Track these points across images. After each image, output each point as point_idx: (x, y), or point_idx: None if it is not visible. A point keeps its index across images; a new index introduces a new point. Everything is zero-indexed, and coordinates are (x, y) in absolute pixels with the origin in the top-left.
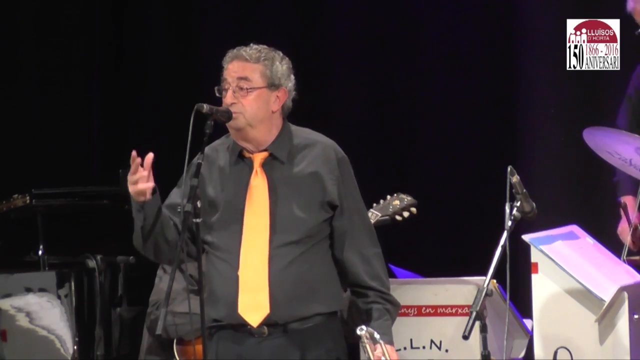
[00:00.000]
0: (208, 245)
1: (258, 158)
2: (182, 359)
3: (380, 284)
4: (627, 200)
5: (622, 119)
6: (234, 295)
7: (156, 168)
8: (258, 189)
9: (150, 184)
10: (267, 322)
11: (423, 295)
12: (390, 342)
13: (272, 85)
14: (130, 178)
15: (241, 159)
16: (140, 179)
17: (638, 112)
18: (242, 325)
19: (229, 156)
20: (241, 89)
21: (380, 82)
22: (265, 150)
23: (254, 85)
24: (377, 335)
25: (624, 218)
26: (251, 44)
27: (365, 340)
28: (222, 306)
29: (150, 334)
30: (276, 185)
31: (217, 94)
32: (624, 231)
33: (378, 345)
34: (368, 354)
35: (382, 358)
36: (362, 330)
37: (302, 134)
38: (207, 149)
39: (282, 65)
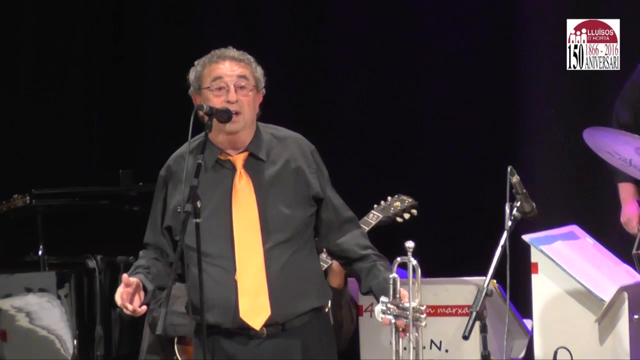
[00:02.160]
0: (195, 252)
1: (239, 160)
2: (183, 358)
3: (373, 249)
4: (626, 186)
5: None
6: (233, 300)
7: (157, 168)
8: (244, 191)
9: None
10: (267, 324)
11: (423, 296)
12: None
13: (258, 87)
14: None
15: (219, 162)
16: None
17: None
18: (243, 329)
19: (205, 161)
20: (242, 87)
21: (380, 82)
22: (244, 150)
23: (252, 84)
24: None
25: (626, 206)
26: (230, 47)
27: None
28: (220, 311)
29: (151, 330)
30: (261, 185)
31: (192, 94)
32: (631, 219)
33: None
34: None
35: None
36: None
37: (271, 130)
38: (170, 160)
39: (260, 69)
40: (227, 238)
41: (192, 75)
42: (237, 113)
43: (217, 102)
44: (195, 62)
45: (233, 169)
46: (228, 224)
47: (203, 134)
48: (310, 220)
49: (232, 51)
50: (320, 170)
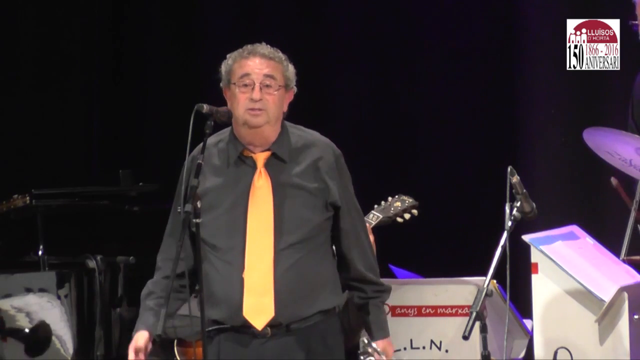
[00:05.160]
0: (206, 246)
1: (261, 158)
2: (183, 359)
3: (374, 274)
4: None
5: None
6: (238, 297)
7: (157, 168)
8: (262, 189)
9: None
10: (271, 324)
11: (423, 296)
12: (386, 336)
13: (287, 85)
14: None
15: (241, 159)
16: None
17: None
18: (246, 327)
19: (228, 156)
20: (268, 86)
21: (380, 82)
22: (267, 149)
23: (279, 84)
24: (374, 345)
25: None
26: (263, 43)
27: (370, 350)
28: (225, 308)
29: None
30: (280, 185)
31: (222, 87)
32: None
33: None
34: None
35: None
36: (368, 346)
37: (299, 132)
38: (195, 151)
39: (292, 67)
40: (241, 235)
41: (223, 68)
42: (261, 110)
43: (243, 98)
44: (228, 55)
45: (254, 166)
46: (243, 221)
47: (229, 128)
48: (326, 224)
49: (264, 48)
50: (342, 177)
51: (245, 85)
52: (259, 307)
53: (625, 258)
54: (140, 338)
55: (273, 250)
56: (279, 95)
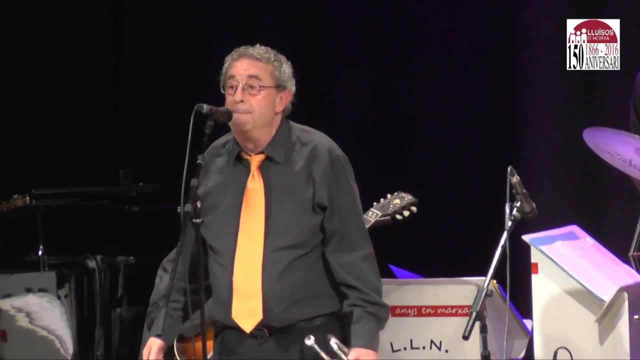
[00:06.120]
0: (209, 248)
1: (255, 161)
2: (183, 358)
3: (363, 284)
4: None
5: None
6: (229, 300)
7: (157, 168)
8: (254, 192)
9: None
10: (261, 327)
11: (423, 296)
12: (366, 346)
13: (280, 86)
14: None
15: (239, 160)
16: None
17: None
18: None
19: (227, 157)
20: (251, 87)
21: (381, 81)
22: (262, 152)
23: (264, 84)
24: (334, 345)
25: None
26: (257, 44)
27: (317, 348)
28: (221, 310)
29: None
30: (272, 188)
31: (222, 91)
32: None
33: (352, 351)
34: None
35: None
36: (309, 340)
37: (300, 132)
38: (210, 146)
39: (288, 67)
40: (232, 237)
41: (223, 70)
42: (245, 112)
43: (230, 100)
44: (225, 59)
45: (249, 168)
46: (235, 224)
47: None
48: (319, 228)
49: (254, 49)
50: (337, 178)
51: (232, 87)
52: (246, 310)
53: (635, 254)
54: (154, 346)
55: (262, 253)
56: (265, 96)
